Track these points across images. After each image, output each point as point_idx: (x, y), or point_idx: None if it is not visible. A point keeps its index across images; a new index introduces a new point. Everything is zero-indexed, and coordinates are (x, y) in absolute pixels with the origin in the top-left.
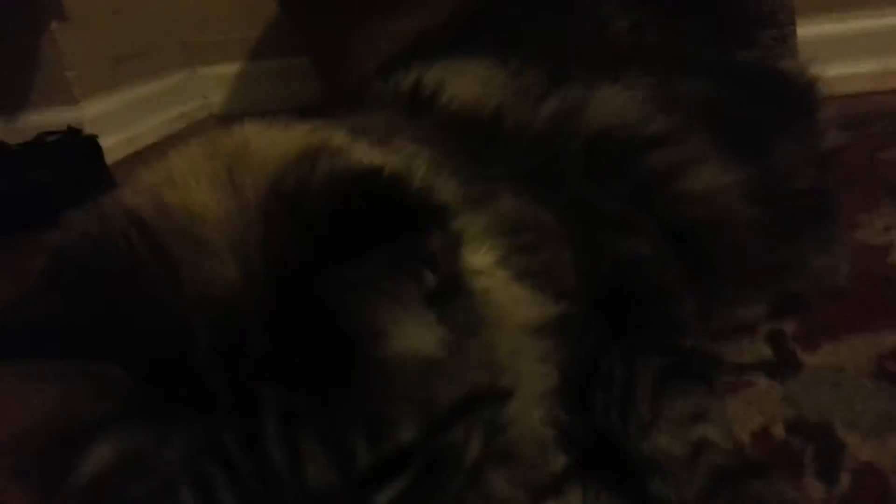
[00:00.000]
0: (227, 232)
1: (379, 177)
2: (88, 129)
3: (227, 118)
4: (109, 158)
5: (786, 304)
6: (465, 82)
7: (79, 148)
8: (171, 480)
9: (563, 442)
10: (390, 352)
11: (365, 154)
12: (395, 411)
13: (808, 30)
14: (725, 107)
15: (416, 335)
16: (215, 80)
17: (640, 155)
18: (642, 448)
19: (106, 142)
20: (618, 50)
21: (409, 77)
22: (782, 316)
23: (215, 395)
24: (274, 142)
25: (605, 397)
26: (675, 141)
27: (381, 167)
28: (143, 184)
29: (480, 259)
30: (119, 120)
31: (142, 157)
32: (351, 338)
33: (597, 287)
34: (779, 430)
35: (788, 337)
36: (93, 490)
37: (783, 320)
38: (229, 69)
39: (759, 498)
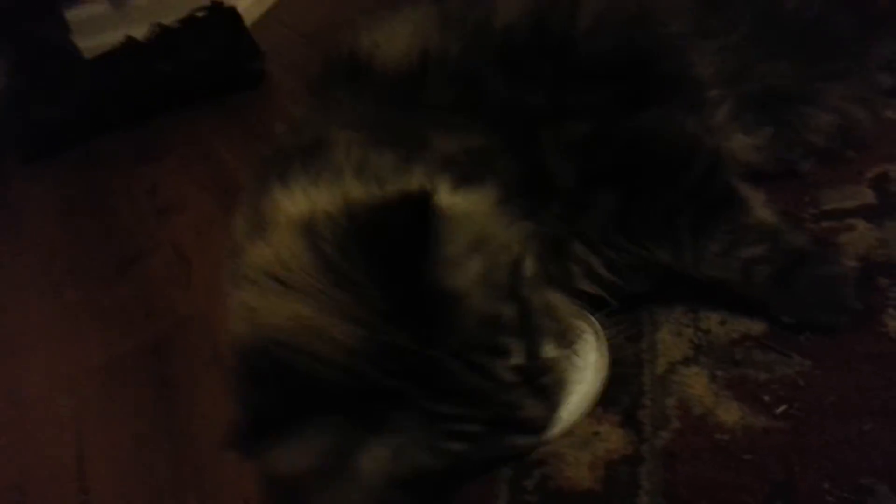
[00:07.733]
0: None
1: None
2: None
3: None
4: (247, 21)
5: None
6: (397, 36)
7: (224, 20)
8: None
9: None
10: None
11: None
12: None
13: None
14: None
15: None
16: None
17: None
18: (701, 280)
19: (240, 7)
20: None
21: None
22: None
23: None
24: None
25: (660, 245)
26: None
27: None
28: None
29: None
30: None
31: (274, 14)
32: None
33: (598, 168)
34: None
35: (893, 180)
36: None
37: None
38: None
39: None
